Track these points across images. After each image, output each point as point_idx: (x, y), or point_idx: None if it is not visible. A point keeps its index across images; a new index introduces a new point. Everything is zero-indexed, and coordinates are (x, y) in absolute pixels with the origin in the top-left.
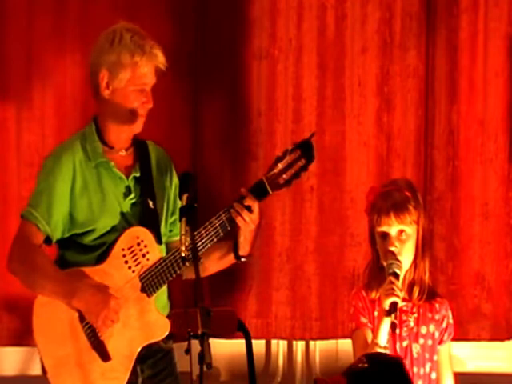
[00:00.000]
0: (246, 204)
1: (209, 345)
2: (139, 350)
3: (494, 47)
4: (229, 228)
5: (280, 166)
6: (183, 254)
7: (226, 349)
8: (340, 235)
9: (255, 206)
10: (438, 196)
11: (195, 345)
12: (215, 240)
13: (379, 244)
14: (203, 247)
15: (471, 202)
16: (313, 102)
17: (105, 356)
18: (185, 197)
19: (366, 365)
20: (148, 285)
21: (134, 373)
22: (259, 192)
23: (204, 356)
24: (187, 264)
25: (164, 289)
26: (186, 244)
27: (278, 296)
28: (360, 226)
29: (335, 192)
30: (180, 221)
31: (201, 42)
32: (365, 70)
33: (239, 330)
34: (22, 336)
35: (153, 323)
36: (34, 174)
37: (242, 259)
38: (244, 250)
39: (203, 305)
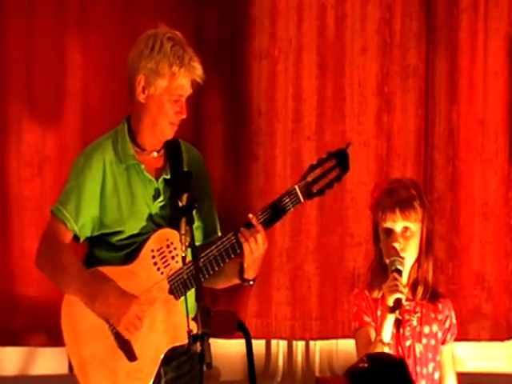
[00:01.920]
0: (253, 232)
1: (209, 345)
2: (165, 351)
3: (493, 47)
4: (238, 251)
5: (314, 174)
6: (183, 254)
7: (225, 349)
8: (340, 235)
9: (260, 236)
10: (438, 196)
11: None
12: (226, 260)
13: (383, 240)
14: (216, 265)
15: (471, 202)
16: (313, 102)
17: (131, 356)
18: (185, 196)
19: (366, 364)
20: (176, 287)
21: (157, 374)
22: (290, 200)
23: (204, 356)
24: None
25: (192, 291)
26: (186, 244)
27: (278, 296)
28: (360, 226)
29: (335, 192)
30: (180, 220)
31: (201, 42)
32: (365, 70)
33: (239, 330)
34: (22, 336)
35: (179, 326)
36: (34, 173)
37: (250, 282)
38: (249, 274)
39: (203, 305)
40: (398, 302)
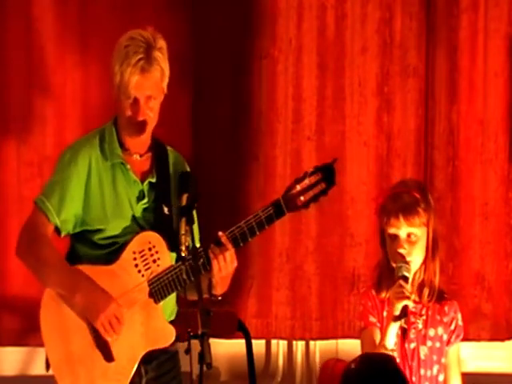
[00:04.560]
0: (222, 250)
1: (209, 345)
2: (142, 355)
3: (493, 47)
4: (208, 268)
5: (299, 187)
6: (183, 254)
7: (225, 349)
8: (340, 235)
9: (229, 254)
10: (438, 196)
11: (195, 345)
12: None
13: (388, 245)
14: (188, 280)
15: (471, 202)
16: (313, 102)
17: (108, 356)
18: (185, 197)
19: (353, 365)
20: (156, 291)
21: (137, 373)
22: (274, 211)
23: (204, 356)
24: (190, 278)
25: (173, 294)
26: (186, 244)
27: (278, 296)
28: (360, 226)
29: (335, 192)
30: (180, 221)
31: (201, 42)
32: (365, 70)
33: (239, 330)
34: (22, 336)
35: (158, 330)
36: (34, 173)
37: (218, 298)
38: (217, 290)
39: (203, 305)
40: (404, 310)
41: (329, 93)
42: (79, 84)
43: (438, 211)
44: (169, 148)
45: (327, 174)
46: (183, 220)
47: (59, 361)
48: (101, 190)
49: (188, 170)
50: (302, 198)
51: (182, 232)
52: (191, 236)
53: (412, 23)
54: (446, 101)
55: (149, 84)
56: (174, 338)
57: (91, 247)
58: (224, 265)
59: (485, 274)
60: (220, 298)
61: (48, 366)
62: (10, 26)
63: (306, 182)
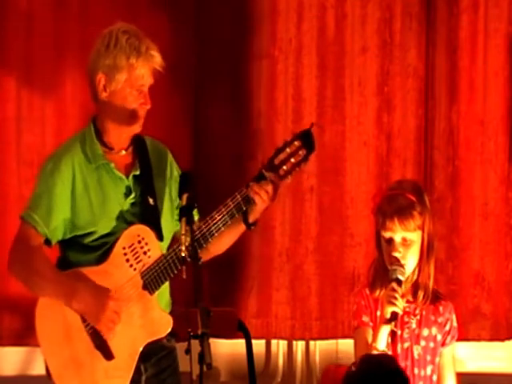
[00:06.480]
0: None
1: (209, 345)
2: (142, 347)
3: (493, 47)
4: (244, 208)
5: (280, 157)
6: (183, 254)
7: (225, 349)
8: (340, 235)
9: (270, 188)
10: (438, 196)
11: (195, 345)
12: (229, 222)
13: (384, 247)
14: (216, 230)
15: (471, 202)
16: (313, 102)
17: (108, 355)
18: (185, 197)
19: (354, 368)
20: (150, 282)
21: (137, 371)
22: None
23: (204, 356)
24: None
25: (166, 286)
26: (186, 244)
27: (278, 296)
28: (360, 226)
29: (335, 192)
30: (180, 221)
31: (201, 42)
32: (365, 70)
33: (239, 330)
34: (22, 336)
35: (156, 320)
36: (34, 173)
37: (252, 227)
38: (254, 217)
39: (203, 305)
40: (394, 314)
41: (329, 93)
42: (79, 84)
43: (437, 211)
44: (146, 137)
45: (306, 140)
46: (183, 220)
47: (59, 367)
48: (87, 194)
49: (167, 152)
50: (284, 168)
51: (182, 232)
52: (191, 236)
53: (412, 23)
54: (446, 101)
55: (154, 70)
56: (171, 326)
57: (83, 251)
58: (267, 196)
59: (485, 274)
60: (254, 226)
61: (49, 373)
62: (10, 26)
63: (287, 150)
